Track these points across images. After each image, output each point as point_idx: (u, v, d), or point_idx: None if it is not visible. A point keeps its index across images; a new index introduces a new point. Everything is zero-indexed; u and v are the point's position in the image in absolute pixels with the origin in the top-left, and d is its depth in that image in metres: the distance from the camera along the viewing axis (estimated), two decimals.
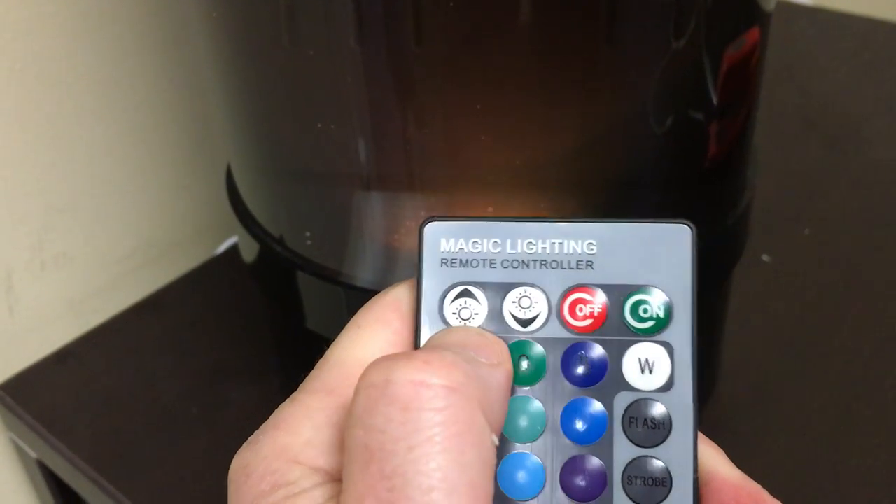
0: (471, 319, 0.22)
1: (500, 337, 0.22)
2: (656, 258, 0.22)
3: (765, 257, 0.56)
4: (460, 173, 0.34)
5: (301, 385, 0.23)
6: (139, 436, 0.49)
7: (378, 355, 0.22)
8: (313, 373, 0.23)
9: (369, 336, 0.23)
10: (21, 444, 0.54)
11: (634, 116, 0.34)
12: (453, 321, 0.22)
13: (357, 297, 0.37)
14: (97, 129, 0.55)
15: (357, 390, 0.19)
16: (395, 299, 0.23)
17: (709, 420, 0.47)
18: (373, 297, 0.24)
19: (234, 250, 0.60)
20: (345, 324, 0.39)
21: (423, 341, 0.22)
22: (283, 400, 0.53)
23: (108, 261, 0.59)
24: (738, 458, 0.46)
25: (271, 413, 0.54)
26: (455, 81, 0.32)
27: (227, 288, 0.58)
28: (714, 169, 0.38)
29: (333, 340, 0.24)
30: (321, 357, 0.24)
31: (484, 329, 0.22)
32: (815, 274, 0.55)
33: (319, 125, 0.35)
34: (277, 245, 0.40)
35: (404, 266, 0.37)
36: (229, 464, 0.24)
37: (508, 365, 0.21)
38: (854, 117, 0.68)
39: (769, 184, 0.61)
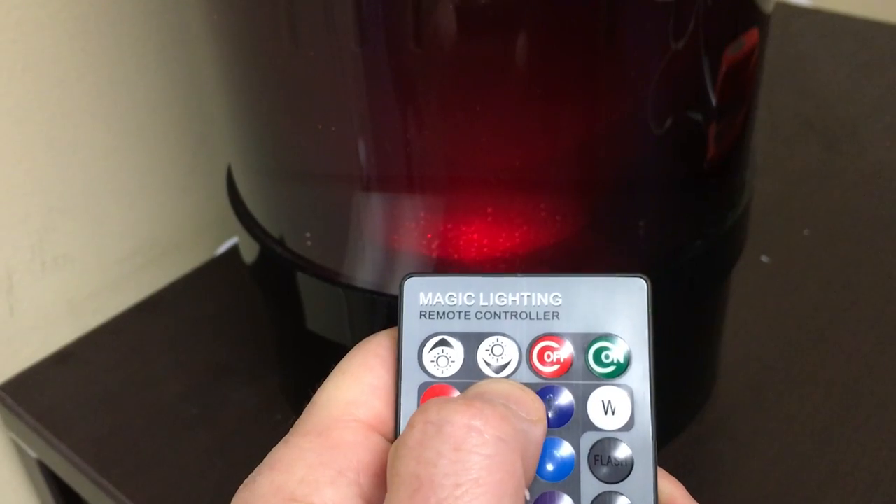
0: (448, 367, 0.24)
1: (474, 383, 0.23)
2: (616, 308, 0.24)
3: (764, 258, 0.56)
4: (460, 174, 0.34)
5: (292, 428, 0.25)
6: (139, 436, 0.49)
7: (361, 399, 0.24)
8: (303, 416, 0.25)
9: (354, 381, 0.24)
10: (21, 444, 0.54)
11: (634, 118, 0.34)
12: (431, 368, 0.24)
13: (356, 298, 0.37)
14: (98, 131, 0.56)
15: (413, 423, 0.21)
16: (377, 346, 0.25)
17: (708, 420, 0.47)
18: (358, 343, 0.26)
19: (234, 251, 0.60)
20: (344, 325, 0.39)
21: (403, 387, 0.24)
22: (283, 400, 0.54)
23: (108, 261, 0.59)
24: (737, 458, 0.46)
25: (271, 413, 0.54)
26: (455, 83, 0.32)
27: (227, 289, 0.58)
28: (713, 170, 0.38)
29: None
30: (311, 396, 0.25)
31: (520, 384, 0.23)
32: (814, 274, 0.55)
33: (320, 126, 0.35)
34: (277, 246, 0.40)
35: (403, 267, 0.37)
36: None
37: (545, 423, 0.23)
38: (853, 118, 0.68)
39: (768, 185, 0.61)
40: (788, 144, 0.66)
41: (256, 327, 0.54)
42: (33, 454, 0.54)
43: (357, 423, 0.24)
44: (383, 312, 0.37)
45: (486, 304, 0.24)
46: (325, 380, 0.25)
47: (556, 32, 0.31)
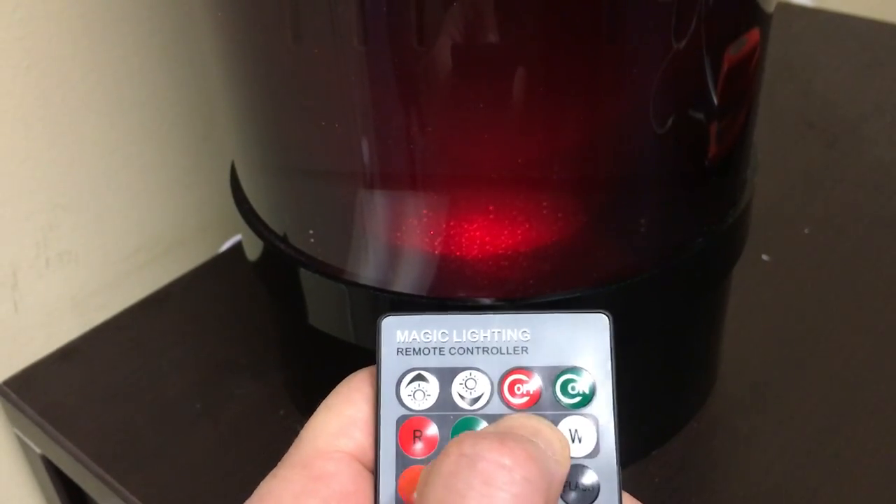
0: (424, 400, 0.25)
1: (449, 414, 0.25)
2: (580, 342, 0.26)
3: (764, 256, 0.57)
4: (463, 172, 0.35)
5: (279, 462, 0.26)
6: (143, 431, 0.50)
7: (343, 430, 0.26)
8: (290, 450, 0.26)
9: (336, 415, 0.26)
10: (25, 439, 0.55)
11: (636, 116, 0.35)
12: (409, 402, 0.25)
13: (359, 294, 0.38)
14: (102, 127, 0.56)
15: (448, 453, 0.23)
16: (359, 382, 0.26)
17: (708, 417, 0.47)
18: (344, 378, 0.27)
19: (237, 248, 0.60)
20: (346, 321, 0.39)
21: (382, 419, 0.25)
22: (286, 395, 0.54)
23: (112, 258, 0.60)
24: (737, 455, 0.47)
25: (275, 408, 0.54)
26: (458, 81, 0.32)
27: (230, 285, 0.58)
28: (714, 168, 0.39)
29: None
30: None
31: (551, 423, 0.25)
32: (814, 273, 0.55)
33: (323, 123, 0.35)
34: (281, 242, 0.40)
35: (406, 263, 0.37)
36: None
37: (568, 464, 0.24)
38: (853, 117, 0.68)
39: (769, 183, 0.61)
40: (789, 143, 0.67)
41: (260, 324, 0.55)
42: (37, 449, 0.54)
43: (340, 453, 0.25)
44: (385, 309, 0.37)
45: (460, 340, 0.26)
46: (311, 416, 0.27)
47: (558, 31, 0.31)
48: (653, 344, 0.42)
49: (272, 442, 0.46)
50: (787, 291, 0.54)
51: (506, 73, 0.32)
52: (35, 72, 0.51)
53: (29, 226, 0.54)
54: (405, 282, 0.37)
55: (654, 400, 0.45)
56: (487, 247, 0.36)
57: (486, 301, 0.36)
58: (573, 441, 0.25)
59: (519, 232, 0.35)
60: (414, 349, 0.26)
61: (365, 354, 0.27)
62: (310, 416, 0.27)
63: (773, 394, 0.48)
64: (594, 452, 0.25)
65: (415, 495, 0.23)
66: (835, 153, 0.65)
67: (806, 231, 0.58)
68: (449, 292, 0.37)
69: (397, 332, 0.26)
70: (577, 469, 0.25)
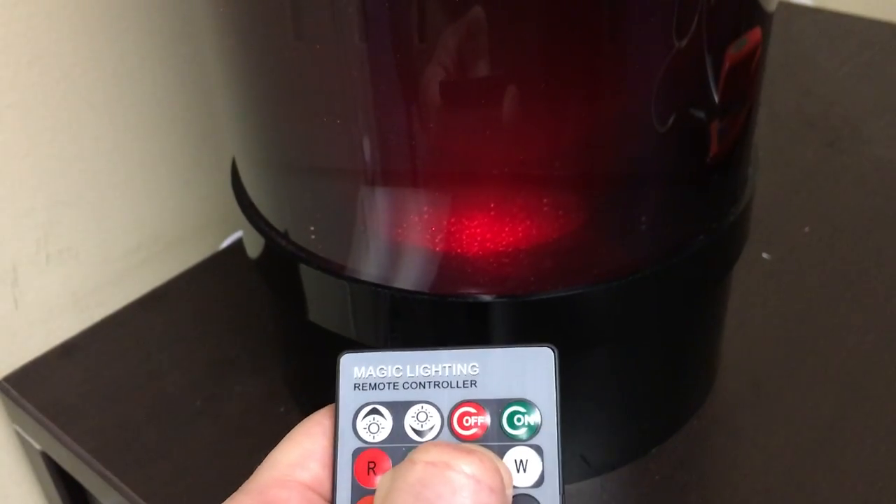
0: (378, 433, 0.26)
1: (402, 446, 0.26)
2: (527, 376, 0.27)
3: (765, 255, 0.57)
4: (464, 169, 0.35)
5: (239, 488, 0.27)
6: (143, 428, 0.50)
7: (300, 461, 0.27)
8: (252, 476, 0.27)
9: (295, 445, 0.27)
10: (25, 436, 0.55)
11: (637, 114, 0.35)
12: (364, 434, 0.27)
13: (359, 291, 0.38)
14: (103, 124, 0.56)
15: (414, 461, 0.24)
16: (321, 416, 0.28)
17: (708, 415, 0.47)
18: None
19: (238, 244, 0.60)
20: (347, 317, 0.40)
21: (340, 451, 0.26)
22: (287, 392, 0.54)
23: (112, 255, 0.60)
24: (737, 453, 0.47)
25: (275, 405, 0.54)
26: (459, 78, 0.32)
27: (231, 282, 0.58)
28: (715, 167, 0.39)
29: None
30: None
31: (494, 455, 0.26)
32: (814, 272, 0.55)
33: (324, 120, 0.35)
34: (281, 239, 0.40)
35: (406, 260, 0.37)
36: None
37: (511, 490, 0.25)
38: (854, 117, 0.69)
39: (769, 182, 0.61)
40: (790, 142, 0.67)
41: (260, 320, 0.55)
42: (37, 446, 0.54)
43: (295, 482, 0.26)
44: (386, 305, 0.37)
45: (412, 375, 0.27)
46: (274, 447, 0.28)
47: (560, 29, 0.31)
48: (653, 341, 0.42)
49: (272, 438, 0.46)
50: (787, 290, 0.54)
51: (507, 71, 0.32)
52: (36, 68, 0.51)
53: (29, 222, 0.54)
54: (406, 278, 0.37)
55: (655, 397, 0.45)
56: (488, 243, 0.36)
57: (487, 298, 0.36)
58: (518, 471, 0.26)
59: (520, 229, 0.35)
60: (370, 384, 0.27)
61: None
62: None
63: (773, 392, 0.48)
64: (539, 482, 0.26)
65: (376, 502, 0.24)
66: (835, 153, 0.65)
67: (806, 230, 0.59)
68: (450, 289, 0.37)
69: (354, 368, 0.27)
70: (523, 498, 0.25)
